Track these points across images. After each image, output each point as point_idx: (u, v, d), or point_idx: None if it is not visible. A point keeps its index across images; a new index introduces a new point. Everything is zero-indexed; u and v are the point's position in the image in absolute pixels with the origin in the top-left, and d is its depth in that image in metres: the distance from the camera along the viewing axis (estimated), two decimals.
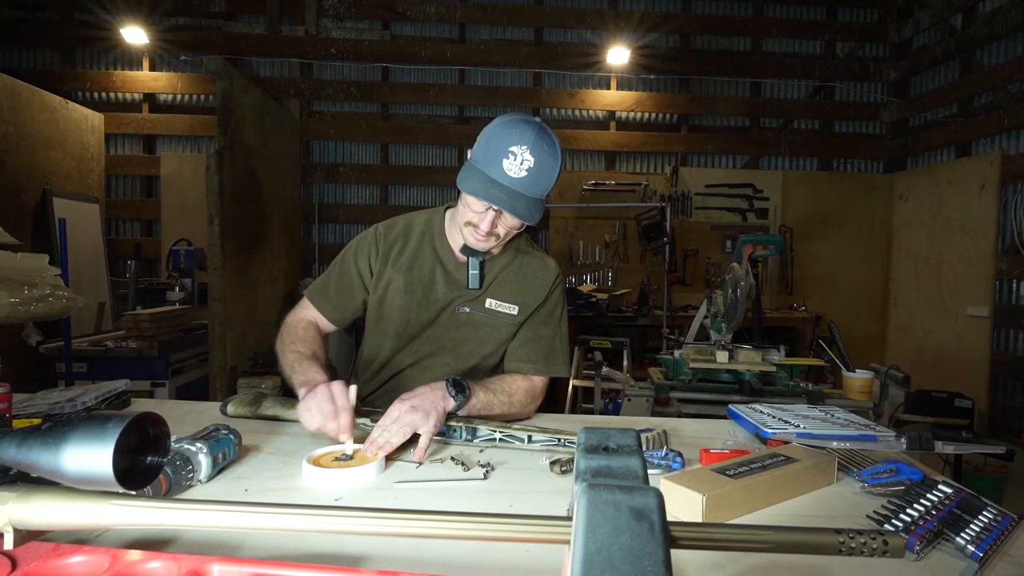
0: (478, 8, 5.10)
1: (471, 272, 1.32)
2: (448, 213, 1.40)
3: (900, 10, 5.13)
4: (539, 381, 1.37)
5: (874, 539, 0.44)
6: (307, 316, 1.42)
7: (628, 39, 4.96)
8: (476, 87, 5.16)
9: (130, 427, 0.51)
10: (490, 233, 1.23)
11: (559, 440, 1.10)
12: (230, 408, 1.28)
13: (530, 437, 1.11)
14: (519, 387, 1.32)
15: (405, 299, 1.36)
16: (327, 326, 1.44)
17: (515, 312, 1.36)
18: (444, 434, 1.13)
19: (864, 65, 5.24)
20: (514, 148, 1.15)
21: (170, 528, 0.69)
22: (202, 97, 5.05)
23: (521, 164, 1.15)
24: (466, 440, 1.13)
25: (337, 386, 1.09)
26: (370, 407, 1.26)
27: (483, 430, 1.13)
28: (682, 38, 5.24)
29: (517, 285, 1.37)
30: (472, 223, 1.23)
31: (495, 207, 1.19)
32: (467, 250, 1.31)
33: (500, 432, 1.12)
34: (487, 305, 1.36)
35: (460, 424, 1.13)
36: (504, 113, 1.26)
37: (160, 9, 4.82)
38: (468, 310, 1.36)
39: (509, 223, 1.23)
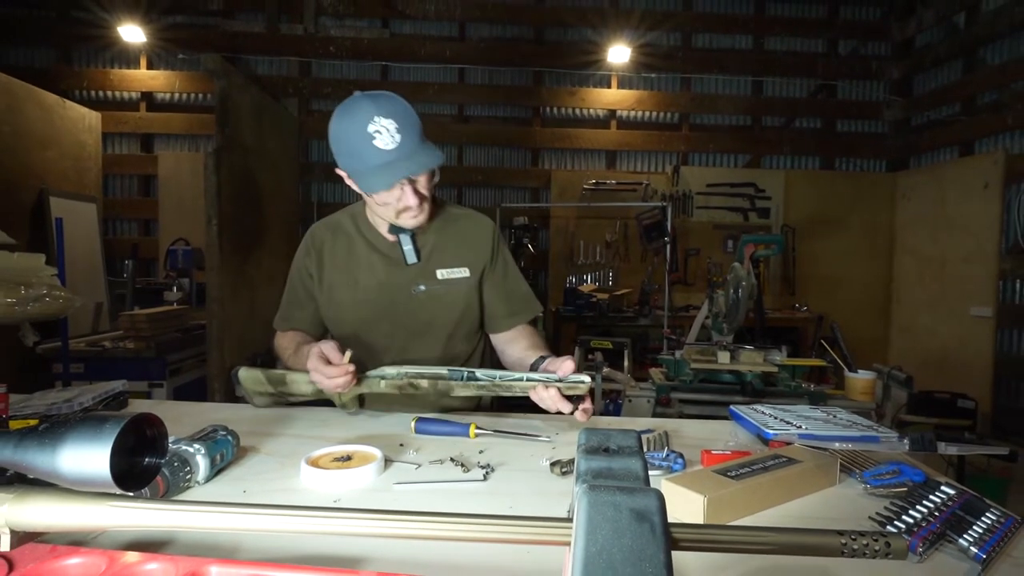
0: (478, 6, 5.08)
1: (405, 248, 1.34)
2: (365, 204, 1.41)
3: (903, 8, 5.11)
4: (532, 324, 1.46)
5: (876, 541, 0.44)
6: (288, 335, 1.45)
7: (629, 37, 4.95)
8: (476, 86, 5.14)
9: (127, 428, 0.51)
10: (421, 201, 1.24)
11: (559, 378, 1.11)
12: (243, 373, 1.26)
13: (526, 378, 1.13)
14: (532, 334, 1.42)
15: (350, 293, 1.37)
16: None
17: (467, 273, 1.39)
18: (445, 377, 1.15)
19: (866, 63, 5.23)
20: (371, 127, 1.15)
21: (168, 530, 0.71)
22: (200, 96, 5.04)
23: (389, 131, 1.15)
24: (468, 379, 1.15)
25: (324, 344, 1.14)
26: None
27: (480, 374, 1.15)
28: (683, 36, 5.23)
29: (458, 248, 1.39)
30: (402, 207, 1.24)
31: (409, 177, 1.20)
32: (394, 228, 1.32)
33: (499, 375, 1.14)
34: (439, 277, 1.37)
35: (462, 369, 1.17)
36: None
37: (158, 7, 4.81)
38: (424, 288, 1.36)
39: (425, 180, 1.25)
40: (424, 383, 1.16)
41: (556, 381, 1.11)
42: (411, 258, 1.34)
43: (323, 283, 1.38)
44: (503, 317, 1.43)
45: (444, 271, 1.37)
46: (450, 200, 1.49)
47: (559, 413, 1.14)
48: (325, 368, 1.12)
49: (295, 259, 1.44)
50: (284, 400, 1.30)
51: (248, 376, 1.26)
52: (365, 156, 1.16)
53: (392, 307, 1.36)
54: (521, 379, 1.12)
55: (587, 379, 1.10)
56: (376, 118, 1.14)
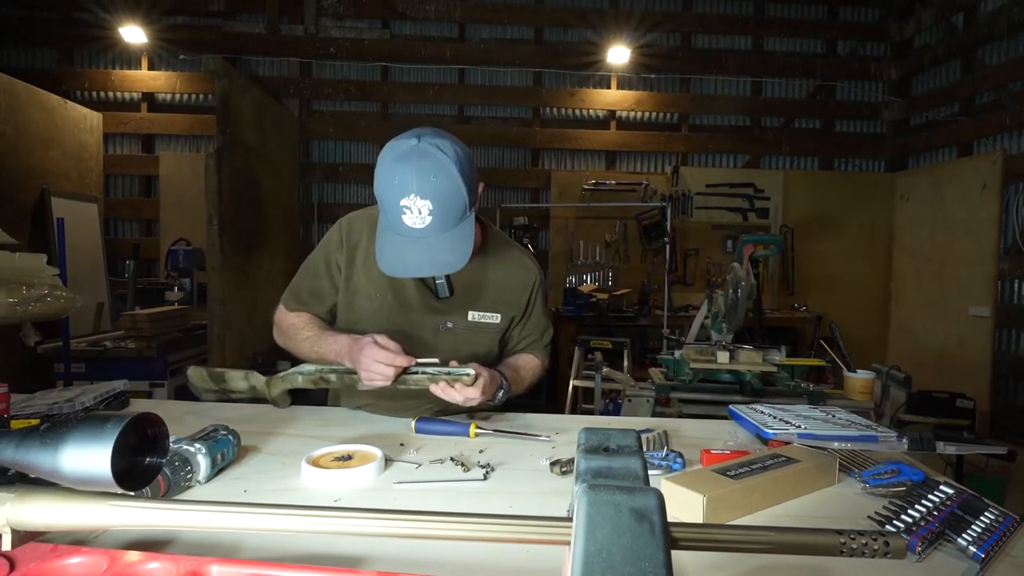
0: (478, 7, 5.09)
1: (438, 282, 1.29)
2: None
3: (901, 9, 5.12)
4: (544, 362, 1.45)
5: (875, 540, 0.44)
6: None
7: (628, 38, 4.96)
8: (476, 86, 5.15)
9: (128, 428, 0.51)
10: None
11: (447, 371, 1.15)
12: (191, 372, 1.28)
13: (420, 371, 1.16)
14: (533, 366, 1.41)
15: (373, 305, 1.30)
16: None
17: (497, 320, 1.34)
18: (352, 372, 1.18)
19: (865, 64, 5.24)
20: (404, 201, 1.06)
21: (169, 529, 0.71)
22: (201, 96, 5.05)
23: (420, 213, 1.06)
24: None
25: (379, 336, 1.13)
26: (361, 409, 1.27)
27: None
28: (682, 37, 5.23)
29: (497, 293, 1.34)
30: None
31: None
32: None
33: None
34: (470, 319, 1.32)
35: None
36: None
37: (159, 8, 4.82)
38: (451, 325, 1.32)
39: None
40: (333, 377, 1.19)
41: (445, 374, 1.14)
42: (443, 291, 1.29)
43: (349, 284, 1.31)
44: (513, 345, 1.42)
45: (476, 313, 1.31)
46: (493, 225, 1.40)
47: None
48: (385, 355, 1.10)
49: (324, 244, 1.34)
50: (226, 396, 1.30)
51: (195, 374, 1.28)
52: (391, 216, 1.09)
53: (414, 336, 1.29)
54: (416, 372, 1.15)
55: (471, 371, 1.13)
56: (412, 195, 1.05)
